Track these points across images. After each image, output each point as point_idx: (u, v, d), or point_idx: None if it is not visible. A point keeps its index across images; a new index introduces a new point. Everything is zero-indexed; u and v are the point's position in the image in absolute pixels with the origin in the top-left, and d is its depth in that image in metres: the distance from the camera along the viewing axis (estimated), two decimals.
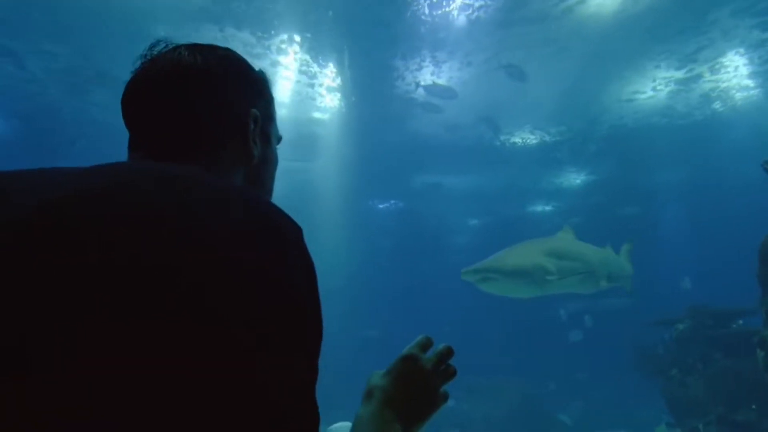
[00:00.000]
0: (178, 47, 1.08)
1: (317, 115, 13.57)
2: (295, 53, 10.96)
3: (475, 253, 7.67)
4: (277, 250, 0.76)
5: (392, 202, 21.04)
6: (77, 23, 9.77)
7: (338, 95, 12.71)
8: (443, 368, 1.18)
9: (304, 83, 12.07)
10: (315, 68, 11.54)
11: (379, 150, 15.33)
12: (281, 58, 11.02)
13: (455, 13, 9.74)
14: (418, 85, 12.03)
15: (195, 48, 1.09)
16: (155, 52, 1.08)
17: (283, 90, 12.29)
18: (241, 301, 0.69)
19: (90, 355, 0.62)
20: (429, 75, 11.75)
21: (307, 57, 11.18)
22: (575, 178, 18.17)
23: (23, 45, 10.59)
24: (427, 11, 9.71)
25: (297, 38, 10.53)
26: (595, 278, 6.91)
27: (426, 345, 1.19)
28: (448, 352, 1.19)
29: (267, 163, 1.16)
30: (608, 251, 7.55)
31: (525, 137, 15.03)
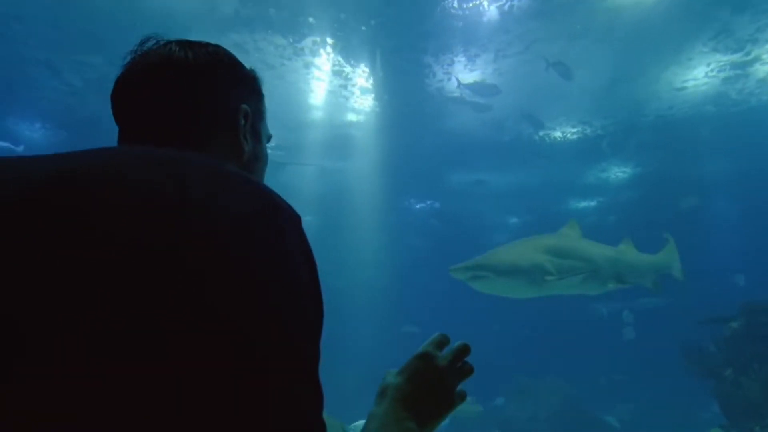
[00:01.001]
0: (168, 43, 1.10)
1: (351, 116, 13.66)
2: (328, 55, 11.08)
3: None
4: (279, 239, 0.77)
5: (428, 202, 20.98)
6: (110, 33, 10.07)
7: (371, 96, 12.77)
8: (459, 366, 1.16)
9: (337, 85, 12.18)
10: (348, 69, 11.62)
11: (413, 149, 15.31)
12: (315, 60, 11.14)
13: (486, 4, 9.62)
14: (459, 83, 11.90)
15: (185, 44, 1.10)
16: (145, 48, 1.09)
17: (318, 92, 12.43)
18: (243, 295, 0.69)
19: (91, 352, 0.62)
20: (462, 70, 11.61)
21: (340, 58, 11.27)
22: (619, 172, 17.69)
23: (60, 57, 11.03)
24: (456, 4, 9.63)
25: (329, 40, 10.64)
26: (600, 278, 6.48)
27: (442, 343, 1.17)
28: (464, 350, 1.17)
29: (258, 160, 1.17)
30: (622, 250, 7.10)
31: (566, 131, 14.72)
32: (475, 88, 11.90)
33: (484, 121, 13.66)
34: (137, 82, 1.06)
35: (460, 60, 11.31)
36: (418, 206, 21.24)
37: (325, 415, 0.80)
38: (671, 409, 13.46)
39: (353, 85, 12.24)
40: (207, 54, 1.10)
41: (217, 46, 1.15)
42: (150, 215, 0.70)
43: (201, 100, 1.06)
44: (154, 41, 1.10)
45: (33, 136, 14.21)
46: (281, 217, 0.80)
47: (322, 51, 10.94)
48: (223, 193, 0.77)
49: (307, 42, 10.58)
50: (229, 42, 10.41)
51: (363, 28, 10.20)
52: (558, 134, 14.84)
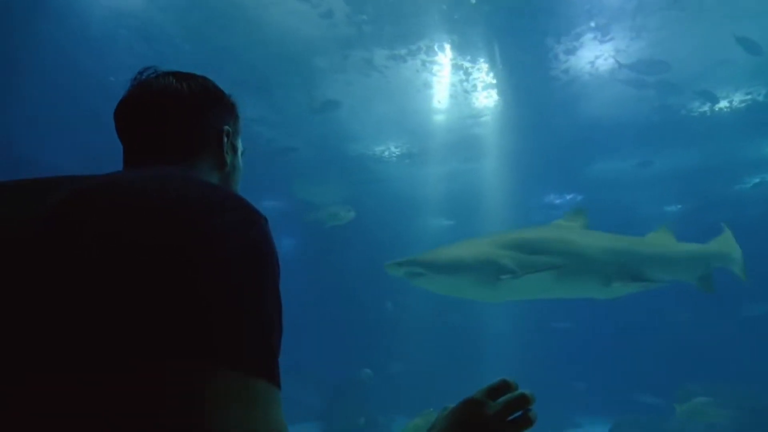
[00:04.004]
0: (166, 74, 1.37)
1: (477, 115, 13.55)
2: (445, 54, 11.11)
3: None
4: (253, 249, 0.92)
5: (569, 196, 20.06)
6: (237, 66, 10.83)
7: (494, 91, 12.55)
8: (516, 417, 1.13)
9: (458, 85, 12.15)
10: (467, 64, 11.53)
11: (546, 141, 14.67)
12: (434, 58, 11.21)
13: None
14: (620, 64, 11.08)
15: (180, 75, 1.38)
16: (144, 77, 1.36)
17: (440, 93, 12.50)
18: (222, 292, 0.83)
19: (94, 358, 0.77)
20: (591, 42, 10.72)
21: (459, 59, 11.24)
22: None
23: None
24: None
25: (447, 44, 10.70)
26: (598, 275, 5.80)
27: (499, 389, 1.16)
28: (522, 400, 1.14)
29: (236, 170, 1.47)
30: (644, 241, 6.39)
31: (733, 99, 12.98)
32: (640, 67, 10.89)
33: (623, 100, 12.60)
34: (141, 107, 1.32)
35: (588, 33, 10.47)
36: (558, 201, 20.44)
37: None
38: None
39: (475, 80, 12.10)
40: (198, 85, 1.39)
41: (205, 78, 1.44)
42: (146, 227, 0.86)
43: (193, 122, 1.35)
44: (152, 70, 1.37)
45: None
46: (255, 229, 0.95)
47: (440, 55, 11.01)
48: (210, 206, 0.93)
49: (424, 44, 10.69)
50: (348, 56, 10.89)
51: (477, 23, 9.97)
52: (723, 104, 13.26)
